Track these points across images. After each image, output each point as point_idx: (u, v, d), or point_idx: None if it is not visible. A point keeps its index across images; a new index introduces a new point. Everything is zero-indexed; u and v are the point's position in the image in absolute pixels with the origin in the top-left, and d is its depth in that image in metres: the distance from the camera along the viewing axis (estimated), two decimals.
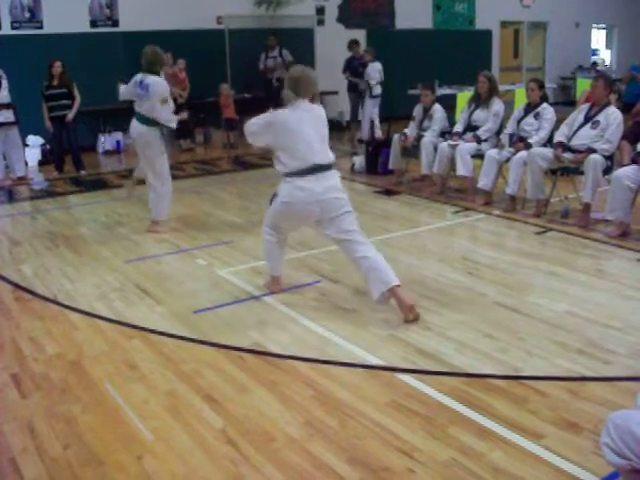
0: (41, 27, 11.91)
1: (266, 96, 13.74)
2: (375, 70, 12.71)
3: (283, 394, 3.75)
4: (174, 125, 6.94)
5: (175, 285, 5.59)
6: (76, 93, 10.53)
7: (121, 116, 7.07)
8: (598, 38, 21.56)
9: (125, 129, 7.11)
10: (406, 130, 9.07)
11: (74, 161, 10.72)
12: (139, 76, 6.82)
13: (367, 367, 4.04)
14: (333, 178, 4.80)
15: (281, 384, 3.87)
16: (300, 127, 4.75)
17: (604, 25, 21.24)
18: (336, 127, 14.79)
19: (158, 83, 6.77)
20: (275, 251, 5.21)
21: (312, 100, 4.94)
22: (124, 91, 7.05)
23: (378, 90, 12.72)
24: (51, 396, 3.84)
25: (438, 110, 8.87)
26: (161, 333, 4.61)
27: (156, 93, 6.68)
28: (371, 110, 12.63)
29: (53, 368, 4.18)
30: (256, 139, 5.05)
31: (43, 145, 11.67)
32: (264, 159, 11.64)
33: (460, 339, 4.38)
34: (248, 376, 3.98)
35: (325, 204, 4.71)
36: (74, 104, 10.50)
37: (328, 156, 4.81)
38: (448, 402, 3.61)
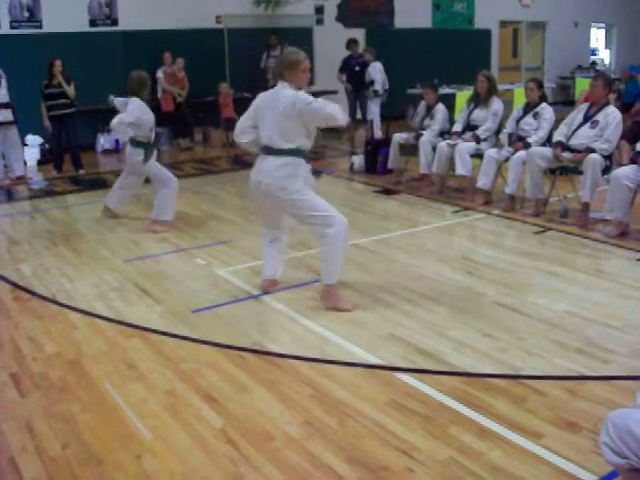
0: (40, 26, 11.90)
1: None
2: (377, 70, 12.70)
3: (282, 393, 3.76)
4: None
5: (174, 284, 5.59)
6: (71, 90, 10.42)
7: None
8: (597, 37, 21.57)
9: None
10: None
11: (73, 160, 10.72)
12: (125, 100, 7.07)
13: (366, 366, 4.04)
14: (276, 162, 4.76)
15: (280, 383, 3.87)
16: (264, 109, 4.80)
17: (603, 24, 21.24)
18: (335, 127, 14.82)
19: (136, 104, 6.91)
20: (265, 251, 5.27)
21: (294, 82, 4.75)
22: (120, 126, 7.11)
23: (381, 90, 12.72)
24: (50, 395, 3.84)
25: (441, 111, 8.86)
26: (160, 332, 4.61)
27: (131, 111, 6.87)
28: (375, 109, 12.64)
29: (52, 367, 4.18)
30: (243, 130, 5.00)
31: (42, 144, 11.66)
32: None
33: (459, 339, 4.38)
34: (247, 375, 3.98)
35: (264, 187, 4.83)
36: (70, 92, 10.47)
37: (278, 141, 4.73)
38: (447, 402, 3.61)
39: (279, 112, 4.66)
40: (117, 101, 7.19)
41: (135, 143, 7.00)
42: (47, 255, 6.48)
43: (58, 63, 10.25)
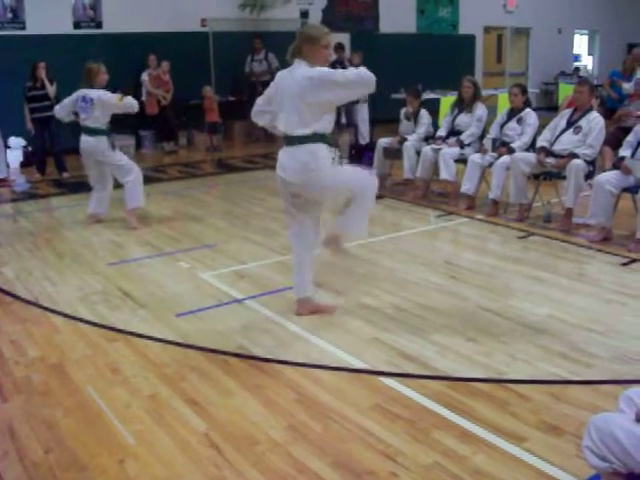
0: (24, 28, 11.83)
1: (250, 99, 13.75)
2: None
3: (267, 398, 3.75)
4: (136, 108, 7.22)
5: (158, 288, 5.57)
6: (52, 90, 10.38)
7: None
8: (580, 44, 21.71)
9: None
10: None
11: (56, 163, 10.66)
12: (80, 92, 7.22)
13: (351, 371, 4.04)
14: (298, 154, 4.35)
15: (265, 388, 3.86)
16: (281, 91, 4.42)
17: (586, 31, 21.40)
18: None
19: (98, 93, 7.08)
20: (293, 265, 4.88)
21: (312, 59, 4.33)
22: (59, 109, 7.52)
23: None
24: (32, 400, 3.81)
25: (424, 116, 8.90)
26: (144, 336, 4.59)
27: (103, 102, 7.02)
28: (365, 115, 12.64)
29: (35, 371, 4.15)
30: (256, 112, 4.78)
31: (25, 147, 11.59)
32: (248, 162, 11.65)
33: (443, 343, 4.40)
34: (231, 379, 3.97)
35: (284, 180, 4.48)
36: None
37: (296, 128, 4.31)
38: (431, 406, 3.62)
39: (295, 94, 4.23)
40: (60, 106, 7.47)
41: (95, 132, 7.11)
42: (30, 258, 6.44)
43: (42, 65, 10.20)
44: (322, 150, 4.34)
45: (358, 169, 4.66)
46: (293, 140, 4.35)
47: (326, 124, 4.36)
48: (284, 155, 4.45)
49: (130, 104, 7.10)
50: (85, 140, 7.24)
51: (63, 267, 6.15)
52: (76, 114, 7.36)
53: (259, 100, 4.74)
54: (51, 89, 10.29)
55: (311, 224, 4.75)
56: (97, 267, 6.12)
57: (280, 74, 4.49)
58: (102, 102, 6.99)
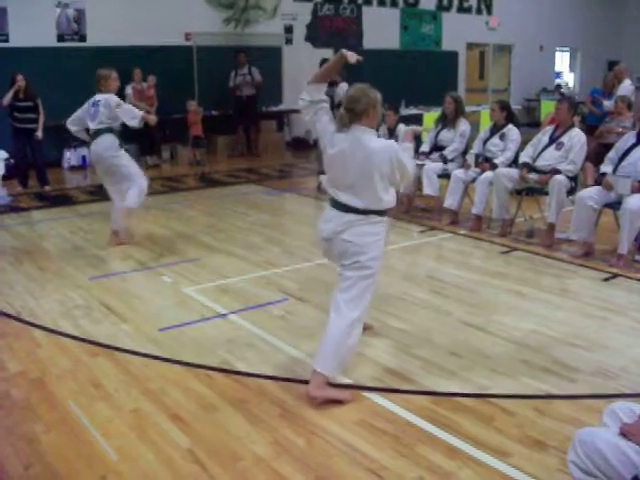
0: (7, 40, 11.77)
1: (234, 113, 13.77)
2: (345, 91, 12.75)
3: (250, 413, 3.73)
4: (137, 123, 6.93)
5: (140, 302, 5.54)
6: (41, 108, 10.42)
7: (87, 132, 7.05)
8: (562, 61, 21.92)
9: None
10: None
11: (38, 176, 10.59)
12: (91, 99, 6.98)
13: (335, 386, 4.02)
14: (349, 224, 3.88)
15: (248, 403, 3.84)
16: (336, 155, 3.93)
17: (567, 48, 21.60)
18: (303, 146, 14.88)
19: (105, 96, 6.88)
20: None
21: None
22: (71, 122, 7.16)
23: None
24: (13, 415, 3.77)
25: (403, 131, 8.92)
26: (126, 351, 4.56)
27: (107, 102, 6.80)
28: None
29: (15, 386, 4.10)
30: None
31: (7, 159, 11.50)
32: (231, 176, 11.64)
33: (427, 358, 4.40)
34: (215, 395, 3.95)
35: (328, 245, 4.01)
36: (40, 119, 10.40)
37: (355, 200, 3.86)
38: (416, 421, 3.61)
39: (372, 167, 3.77)
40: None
41: (103, 131, 6.90)
42: (11, 272, 6.38)
43: (20, 77, 10.15)
44: None
45: None
46: (345, 208, 3.93)
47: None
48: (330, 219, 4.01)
49: (130, 109, 6.91)
50: (94, 143, 6.99)
51: (45, 281, 6.10)
52: (87, 130, 7.11)
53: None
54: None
55: None
56: (79, 281, 6.07)
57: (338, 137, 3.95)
58: (107, 103, 6.80)
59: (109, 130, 6.94)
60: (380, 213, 3.91)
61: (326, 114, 4.04)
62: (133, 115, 6.83)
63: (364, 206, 3.84)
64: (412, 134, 4.70)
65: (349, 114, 3.87)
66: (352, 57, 4.01)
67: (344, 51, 4.00)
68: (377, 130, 4.07)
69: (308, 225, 8.56)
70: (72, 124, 7.14)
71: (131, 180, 7.06)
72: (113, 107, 6.78)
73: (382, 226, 3.94)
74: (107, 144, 6.92)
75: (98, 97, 6.90)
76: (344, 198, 3.89)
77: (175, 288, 5.86)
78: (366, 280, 3.88)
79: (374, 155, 3.78)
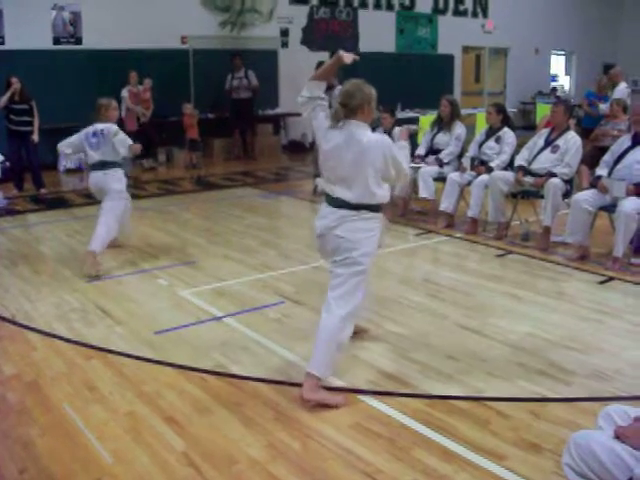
0: (3, 43, 11.76)
1: (231, 117, 13.77)
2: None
3: (245, 416, 3.72)
4: (125, 152, 6.72)
5: (136, 305, 5.53)
6: (36, 111, 10.41)
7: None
8: (557, 64, 21.95)
9: None
10: None
11: (34, 179, 10.58)
12: (90, 128, 6.73)
13: (330, 389, 4.02)
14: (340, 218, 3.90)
15: (243, 406, 3.84)
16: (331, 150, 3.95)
17: (563, 51, 21.64)
18: (300, 149, 14.88)
19: (107, 126, 6.68)
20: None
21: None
22: (65, 145, 6.97)
23: None
24: (8, 418, 3.76)
25: (397, 129, 8.92)
26: (121, 354, 4.55)
27: (110, 131, 6.63)
28: None
29: (10, 389, 4.10)
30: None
31: (2, 162, 11.48)
32: (227, 179, 11.64)
33: (422, 361, 4.40)
34: (210, 397, 3.94)
35: (322, 242, 4.04)
36: (35, 122, 10.39)
37: (348, 194, 3.89)
38: (411, 424, 3.61)
39: (366, 161, 3.81)
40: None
41: (109, 165, 6.68)
42: (6, 275, 6.37)
43: (15, 80, 10.14)
44: None
45: None
46: (337, 203, 3.97)
47: None
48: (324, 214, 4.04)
49: (124, 139, 6.68)
50: (95, 176, 6.76)
51: (40, 284, 6.09)
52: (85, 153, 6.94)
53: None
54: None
55: None
56: (75, 284, 6.06)
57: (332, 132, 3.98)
58: (110, 132, 6.59)
59: (118, 165, 6.74)
60: (373, 209, 3.94)
61: (323, 111, 4.08)
62: (125, 145, 6.68)
63: (357, 200, 3.86)
64: (407, 133, 4.68)
65: (344, 109, 3.90)
66: (348, 58, 4.04)
67: (341, 52, 4.01)
68: (373, 132, 4.08)
69: (304, 228, 8.56)
70: (66, 147, 6.98)
71: (107, 214, 6.67)
72: (111, 136, 6.64)
73: (375, 223, 3.96)
74: (113, 179, 6.70)
75: (100, 126, 6.67)
76: (338, 193, 3.92)
77: (171, 291, 5.85)
78: (357, 277, 3.89)
79: (368, 150, 3.81)
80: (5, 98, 10.13)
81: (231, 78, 13.60)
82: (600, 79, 11.59)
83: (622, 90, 11.06)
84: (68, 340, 4.81)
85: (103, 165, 6.69)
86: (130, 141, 6.76)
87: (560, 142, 7.07)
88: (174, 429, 3.60)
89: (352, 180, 3.86)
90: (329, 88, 13.03)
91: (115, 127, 6.72)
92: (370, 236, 3.92)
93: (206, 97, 13.86)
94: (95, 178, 6.77)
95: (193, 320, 5.16)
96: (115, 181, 6.71)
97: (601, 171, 6.61)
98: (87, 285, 6.03)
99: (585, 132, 9.74)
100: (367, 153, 3.81)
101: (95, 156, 6.70)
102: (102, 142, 6.63)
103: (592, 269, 6.33)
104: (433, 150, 8.44)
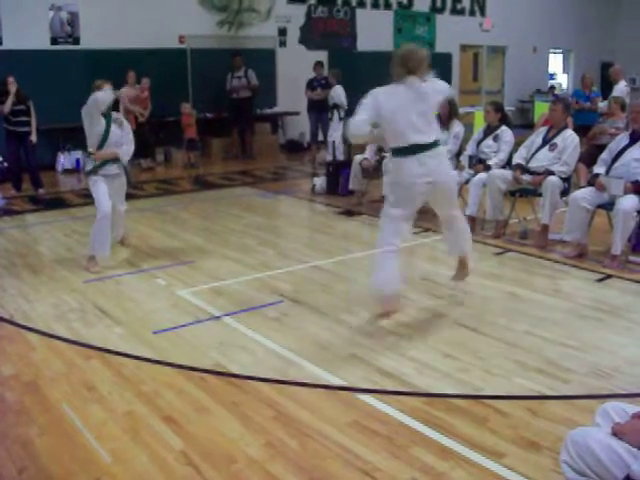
0: (0, 43, 11.76)
1: (230, 116, 13.78)
2: (339, 94, 12.76)
3: (244, 415, 3.73)
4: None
5: (134, 305, 5.53)
6: (33, 111, 10.39)
7: (81, 134, 6.95)
8: (555, 62, 21.97)
9: (85, 147, 6.99)
10: (366, 155, 9.11)
11: (32, 179, 10.57)
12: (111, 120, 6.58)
13: (328, 387, 4.03)
14: (434, 158, 4.85)
15: (242, 405, 3.84)
16: (398, 106, 4.76)
17: (561, 50, 21.66)
18: (298, 148, 14.88)
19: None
20: (392, 263, 5.15)
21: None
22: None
23: (343, 113, 12.80)
24: (7, 418, 3.77)
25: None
26: (120, 354, 4.55)
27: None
28: (338, 132, 12.66)
29: (9, 389, 4.10)
30: (361, 125, 4.80)
31: (1, 163, 11.50)
32: (225, 179, 11.64)
33: (420, 359, 4.40)
34: (208, 397, 3.95)
35: (424, 187, 4.87)
36: (32, 122, 10.37)
37: (428, 135, 4.82)
38: (409, 422, 3.62)
39: (431, 105, 4.88)
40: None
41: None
42: (5, 275, 6.37)
43: (11, 80, 10.10)
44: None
45: None
46: (429, 146, 4.85)
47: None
48: (429, 160, 4.84)
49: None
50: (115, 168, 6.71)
51: (39, 284, 6.09)
52: None
53: (365, 106, 4.89)
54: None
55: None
56: (73, 284, 6.07)
57: (384, 91, 4.89)
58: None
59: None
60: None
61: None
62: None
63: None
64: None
65: (403, 69, 4.81)
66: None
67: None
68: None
69: (302, 227, 8.59)
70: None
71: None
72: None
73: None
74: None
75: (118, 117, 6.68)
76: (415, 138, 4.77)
77: (169, 291, 5.86)
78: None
79: (429, 97, 4.84)
80: (9, 103, 10.10)
81: (231, 77, 13.61)
82: (584, 75, 11.78)
83: (621, 88, 11.10)
84: (67, 340, 4.81)
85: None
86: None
87: (558, 140, 7.08)
88: (173, 428, 3.60)
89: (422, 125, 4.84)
90: (327, 87, 13.12)
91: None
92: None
93: (204, 96, 13.87)
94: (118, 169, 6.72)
95: (192, 320, 5.16)
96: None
97: (599, 169, 6.62)
98: (85, 285, 6.03)
99: (577, 129, 9.77)
100: (427, 97, 4.86)
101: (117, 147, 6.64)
102: (123, 135, 6.64)
103: (590, 267, 6.34)
104: None
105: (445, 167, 5.04)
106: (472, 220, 7.68)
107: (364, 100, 4.86)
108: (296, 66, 14.37)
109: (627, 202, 6.11)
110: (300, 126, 14.82)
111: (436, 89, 4.99)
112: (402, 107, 4.74)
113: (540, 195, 7.07)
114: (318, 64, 13.39)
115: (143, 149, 12.88)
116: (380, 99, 4.80)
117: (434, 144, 4.85)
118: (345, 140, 11.70)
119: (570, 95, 11.78)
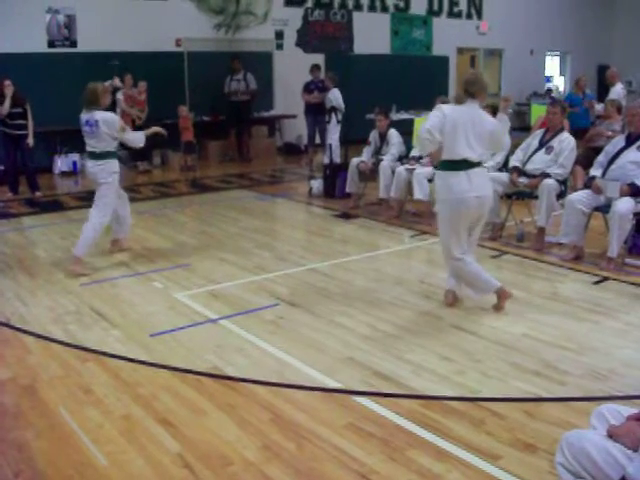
0: None
1: (228, 119, 13.78)
2: (337, 97, 12.76)
3: (240, 418, 3.73)
4: (142, 143, 6.93)
5: (131, 308, 5.53)
6: (30, 114, 10.37)
7: (77, 137, 6.95)
8: (552, 65, 21.99)
9: (81, 150, 6.97)
10: (363, 157, 9.13)
11: (28, 182, 10.56)
12: (83, 116, 6.55)
13: (325, 390, 4.03)
14: (480, 176, 5.14)
15: (238, 407, 3.84)
16: (460, 123, 5.03)
17: (557, 52, 21.69)
18: (295, 151, 14.89)
19: (107, 117, 6.54)
20: (475, 266, 5.37)
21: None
22: None
23: (340, 116, 12.80)
24: (3, 422, 3.76)
25: (394, 135, 8.96)
26: (117, 356, 4.55)
27: (109, 127, 6.51)
28: (335, 135, 12.66)
29: (6, 393, 4.09)
30: (434, 136, 5.03)
31: None
32: (222, 182, 11.65)
33: (417, 362, 4.40)
34: (205, 399, 3.95)
35: (474, 201, 5.11)
36: (29, 125, 10.36)
37: (478, 155, 5.10)
38: (406, 424, 3.62)
39: (484, 130, 5.08)
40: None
41: (102, 156, 6.57)
42: (1, 278, 6.37)
43: (7, 83, 10.08)
44: None
45: None
46: (476, 164, 5.12)
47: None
48: (475, 176, 5.10)
49: (133, 139, 6.83)
50: (91, 165, 6.68)
51: (35, 287, 6.09)
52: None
53: (436, 118, 5.12)
54: (5, 107, 10.12)
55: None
56: (70, 287, 6.06)
57: (452, 109, 5.16)
58: (107, 122, 6.48)
59: (112, 155, 6.68)
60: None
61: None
62: (134, 142, 6.93)
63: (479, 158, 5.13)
64: (508, 104, 5.71)
65: (465, 94, 5.12)
66: None
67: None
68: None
69: (299, 230, 8.59)
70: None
71: (98, 209, 6.68)
72: (116, 129, 6.55)
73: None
74: (108, 171, 6.64)
75: (94, 115, 6.47)
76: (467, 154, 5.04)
77: (166, 293, 5.85)
78: None
79: (484, 122, 5.11)
80: (6, 107, 10.08)
81: (230, 80, 13.62)
82: (578, 78, 11.85)
83: (618, 91, 11.12)
84: (63, 343, 4.81)
85: (98, 156, 6.59)
86: (142, 142, 6.90)
87: (554, 143, 7.09)
88: (169, 431, 3.60)
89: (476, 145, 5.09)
90: (324, 90, 13.11)
91: (114, 118, 6.68)
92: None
93: (201, 99, 13.86)
94: (91, 168, 6.68)
95: (188, 322, 5.16)
96: (111, 173, 6.62)
97: (595, 172, 6.63)
98: (82, 288, 6.03)
99: (573, 133, 9.79)
100: (484, 124, 5.11)
101: (91, 146, 6.60)
102: (97, 132, 6.50)
103: (587, 269, 6.35)
104: None
105: (489, 184, 5.35)
106: None
107: (433, 112, 5.16)
108: (293, 69, 14.37)
109: (623, 204, 6.12)
110: (297, 129, 14.82)
111: (490, 120, 5.23)
112: (463, 124, 5.02)
113: (537, 198, 7.08)
114: (315, 67, 13.41)
115: (140, 152, 12.88)
116: (446, 112, 5.07)
117: (480, 163, 5.16)
118: (342, 143, 11.75)
119: (563, 99, 11.80)
